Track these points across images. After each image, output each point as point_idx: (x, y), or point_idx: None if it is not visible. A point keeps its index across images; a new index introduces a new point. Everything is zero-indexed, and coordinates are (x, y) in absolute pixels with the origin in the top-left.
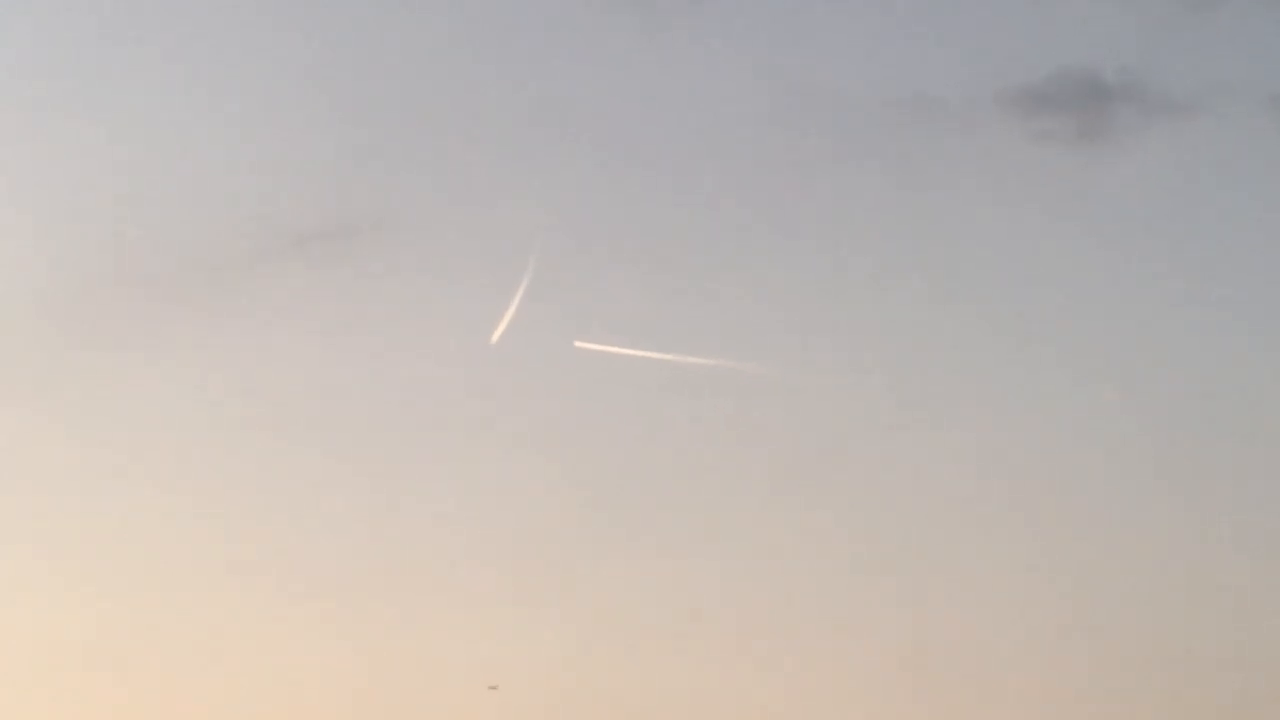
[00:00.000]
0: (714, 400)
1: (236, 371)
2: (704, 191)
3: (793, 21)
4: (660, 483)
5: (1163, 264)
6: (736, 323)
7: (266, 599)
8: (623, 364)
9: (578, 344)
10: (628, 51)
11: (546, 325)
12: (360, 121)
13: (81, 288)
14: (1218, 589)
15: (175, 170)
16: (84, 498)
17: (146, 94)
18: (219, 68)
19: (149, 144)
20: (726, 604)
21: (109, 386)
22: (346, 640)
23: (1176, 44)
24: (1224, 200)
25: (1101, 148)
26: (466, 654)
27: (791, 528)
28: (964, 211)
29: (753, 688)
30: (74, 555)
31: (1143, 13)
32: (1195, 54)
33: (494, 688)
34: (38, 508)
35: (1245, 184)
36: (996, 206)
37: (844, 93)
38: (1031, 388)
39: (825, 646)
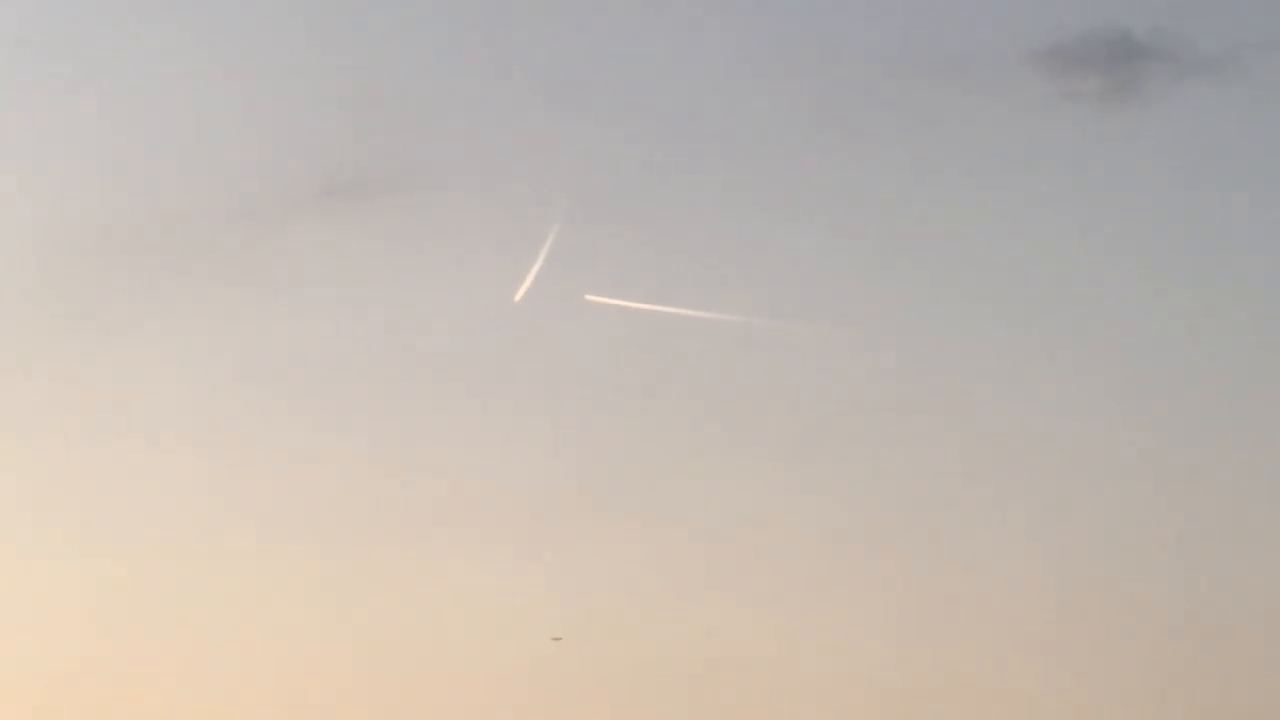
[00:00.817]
0: (736, 356)
1: (258, 327)
2: (727, 149)
3: None
4: (676, 436)
5: (1194, 224)
6: (758, 279)
7: (290, 553)
8: (642, 320)
9: (590, 298)
10: (648, 7)
11: (567, 281)
12: (382, 77)
13: (100, 243)
14: (1221, 542)
15: (196, 125)
16: (105, 457)
17: (167, 46)
18: (242, 19)
19: (170, 97)
20: (740, 558)
21: (128, 342)
22: (363, 593)
23: (1209, 3)
24: (1257, 160)
25: (1133, 108)
26: (481, 604)
27: (807, 481)
28: (992, 172)
29: (759, 644)
30: (96, 518)
31: None
32: (1228, 13)
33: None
34: (58, 466)
35: (1278, 144)
36: (1025, 167)
37: (869, 51)
38: (1057, 350)
39: (843, 592)
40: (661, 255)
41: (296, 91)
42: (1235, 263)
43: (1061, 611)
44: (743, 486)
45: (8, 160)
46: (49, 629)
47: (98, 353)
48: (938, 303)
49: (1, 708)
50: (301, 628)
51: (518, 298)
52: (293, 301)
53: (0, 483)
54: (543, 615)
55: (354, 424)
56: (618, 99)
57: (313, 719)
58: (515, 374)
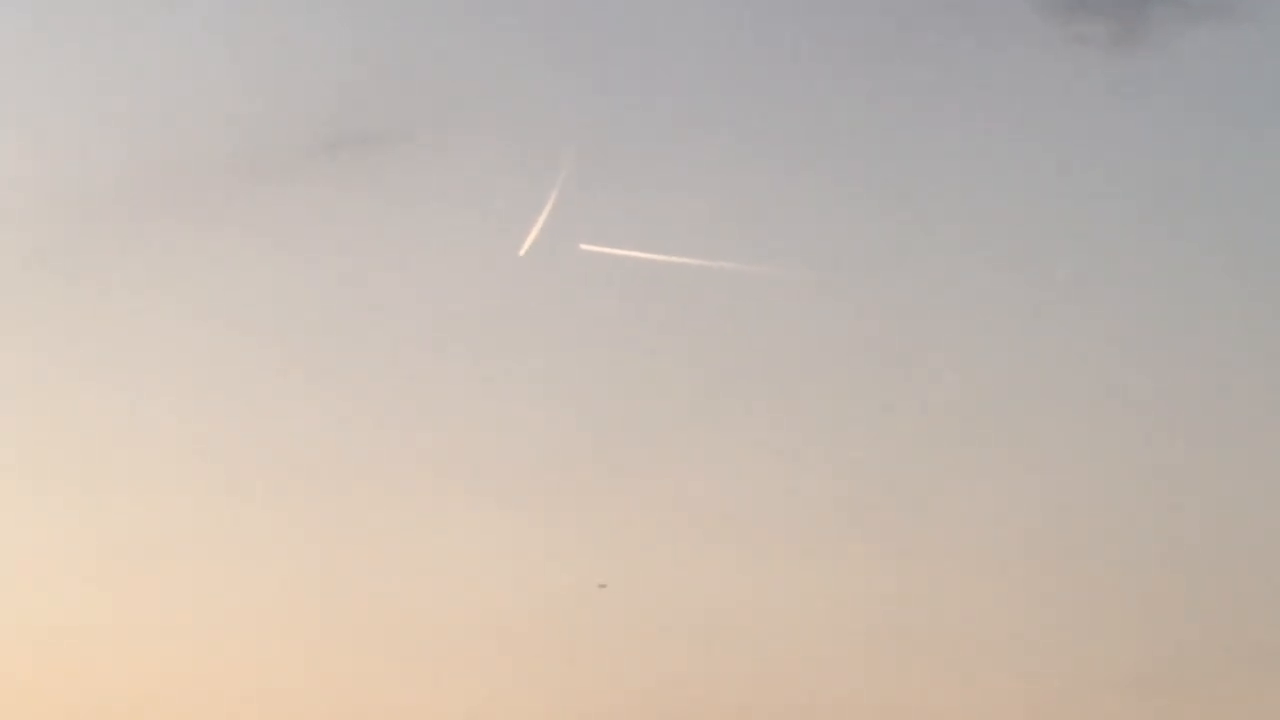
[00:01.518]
0: (741, 304)
1: (261, 279)
2: (728, 93)
3: None
4: (683, 386)
5: (1202, 171)
6: (763, 226)
7: (291, 507)
8: (650, 269)
9: (586, 247)
10: None
11: (574, 232)
12: (388, 28)
13: (100, 196)
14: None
15: (205, 73)
16: (105, 410)
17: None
18: None
19: (171, 48)
20: (738, 507)
21: (126, 296)
22: (366, 547)
23: None
24: (1268, 107)
25: (1141, 52)
26: (477, 557)
27: (804, 429)
28: (996, 117)
29: (758, 598)
30: (93, 471)
31: None
32: None
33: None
34: (55, 420)
35: None
36: (1030, 112)
37: None
38: (1060, 297)
39: (853, 537)
40: (667, 203)
41: (301, 42)
42: (1244, 207)
43: (1054, 557)
44: (754, 434)
45: (3, 111)
46: (38, 585)
47: (96, 306)
48: (943, 249)
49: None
50: (298, 583)
51: (524, 249)
52: (296, 254)
53: None
54: (550, 568)
55: (359, 378)
56: (618, 48)
57: (315, 674)
58: (521, 326)
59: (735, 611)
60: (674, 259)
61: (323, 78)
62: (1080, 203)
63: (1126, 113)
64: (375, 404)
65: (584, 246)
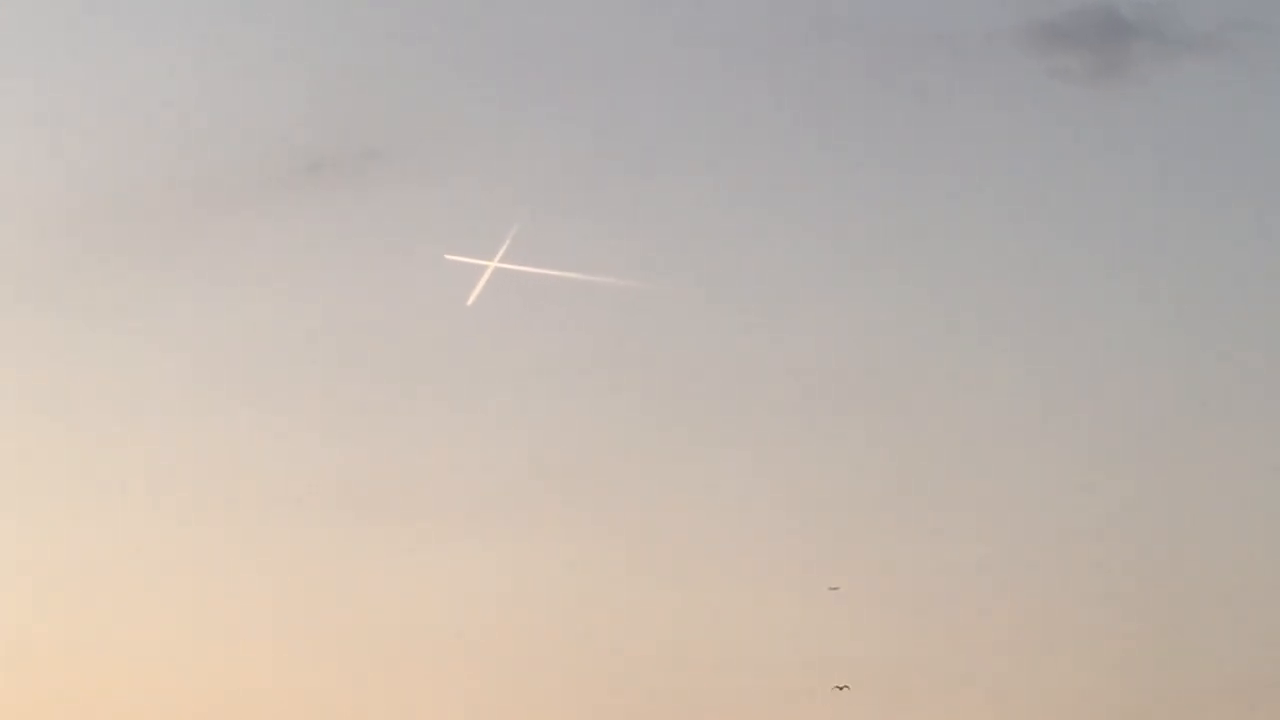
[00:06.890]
0: (710, 331)
1: (247, 296)
2: (716, 126)
3: None
4: (648, 414)
5: (1180, 201)
6: (748, 258)
7: (261, 530)
8: (628, 295)
9: (566, 273)
10: None
11: (559, 256)
12: (374, 47)
13: (84, 217)
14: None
15: (188, 95)
16: (93, 419)
17: (154, 23)
18: None
19: (160, 69)
20: (716, 532)
21: (110, 317)
22: (332, 571)
23: None
24: (1244, 138)
25: (1120, 85)
26: (452, 578)
27: (778, 454)
28: (980, 148)
29: (731, 622)
30: (74, 497)
31: None
32: None
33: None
34: (41, 447)
35: (1266, 122)
36: (1014, 143)
37: (861, 26)
38: (1039, 329)
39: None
40: (649, 234)
41: (284, 67)
42: (1220, 237)
43: (1032, 600)
44: (731, 460)
45: None
46: (23, 607)
47: (79, 327)
48: (924, 275)
49: None
50: (268, 601)
51: (488, 273)
52: (281, 273)
53: None
54: (529, 588)
55: (342, 399)
56: (604, 72)
57: (298, 688)
58: (503, 350)
59: (709, 635)
60: (651, 285)
61: (303, 101)
62: (1059, 232)
63: (1104, 145)
64: (355, 425)
65: (564, 272)
